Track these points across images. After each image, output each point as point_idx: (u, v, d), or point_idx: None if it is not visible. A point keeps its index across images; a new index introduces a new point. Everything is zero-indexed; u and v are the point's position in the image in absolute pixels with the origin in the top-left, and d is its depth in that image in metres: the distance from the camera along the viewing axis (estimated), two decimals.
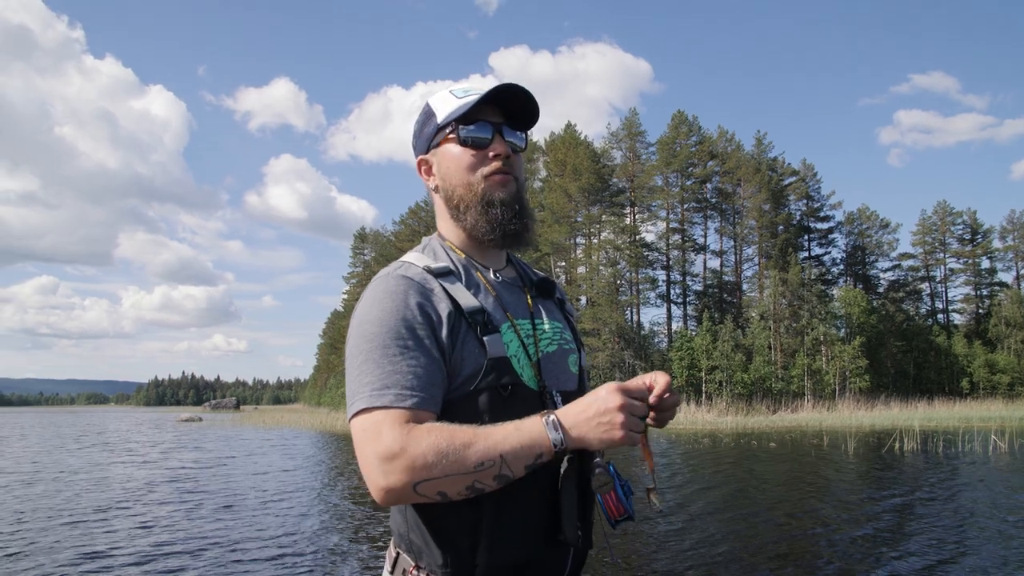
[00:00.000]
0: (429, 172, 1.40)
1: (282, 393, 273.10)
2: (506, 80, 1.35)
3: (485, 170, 1.32)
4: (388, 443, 1.08)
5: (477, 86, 1.36)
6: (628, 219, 57.50)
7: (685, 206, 59.61)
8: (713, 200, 60.41)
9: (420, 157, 1.41)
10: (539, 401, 1.24)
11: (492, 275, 1.37)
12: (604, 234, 55.93)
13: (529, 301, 1.38)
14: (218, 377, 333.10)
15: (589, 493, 1.23)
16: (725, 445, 21.87)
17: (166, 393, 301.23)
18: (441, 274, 1.27)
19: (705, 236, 61.75)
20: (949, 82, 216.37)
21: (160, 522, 9.29)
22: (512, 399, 1.20)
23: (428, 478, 1.07)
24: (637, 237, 56.39)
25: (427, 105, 1.39)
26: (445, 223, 1.40)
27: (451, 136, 1.33)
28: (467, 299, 1.25)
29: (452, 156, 1.33)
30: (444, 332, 1.20)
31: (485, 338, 1.22)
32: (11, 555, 7.37)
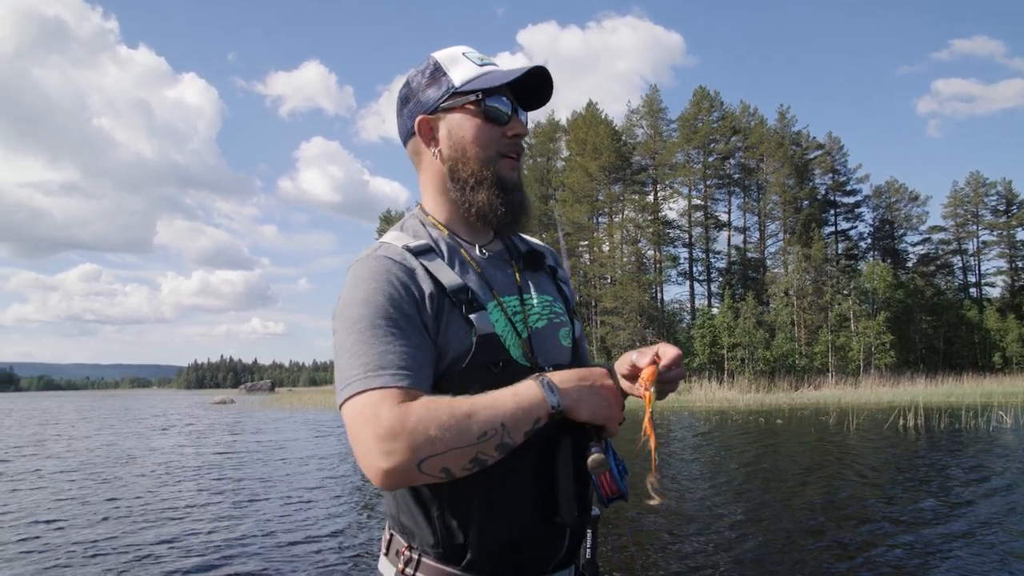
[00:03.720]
0: (431, 135, 1.30)
1: (317, 375, 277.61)
2: (535, 62, 1.45)
3: (502, 148, 1.27)
4: (387, 423, 1.03)
5: (486, 56, 1.31)
6: (650, 197, 57.28)
7: (708, 183, 59.12)
8: (736, 176, 59.79)
9: (423, 116, 1.29)
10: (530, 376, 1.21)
11: (477, 251, 1.32)
12: (626, 212, 55.82)
13: (517, 275, 1.34)
14: (255, 360, 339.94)
15: (584, 471, 1.18)
16: (732, 422, 21.98)
17: (205, 376, 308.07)
18: (420, 252, 1.23)
19: (729, 212, 61.28)
20: (993, 46, 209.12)
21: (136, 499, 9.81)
22: (503, 376, 1.16)
23: (432, 454, 1.02)
24: (659, 215, 56.17)
25: (434, 61, 1.30)
26: (433, 196, 1.34)
27: (470, 105, 1.26)
28: (449, 277, 1.21)
29: (472, 127, 1.26)
30: (429, 312, 1.17)
31: (472, 316, 1.19)
32: None
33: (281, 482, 11.08)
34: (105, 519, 8.31)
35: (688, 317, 57.80)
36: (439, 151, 1.29)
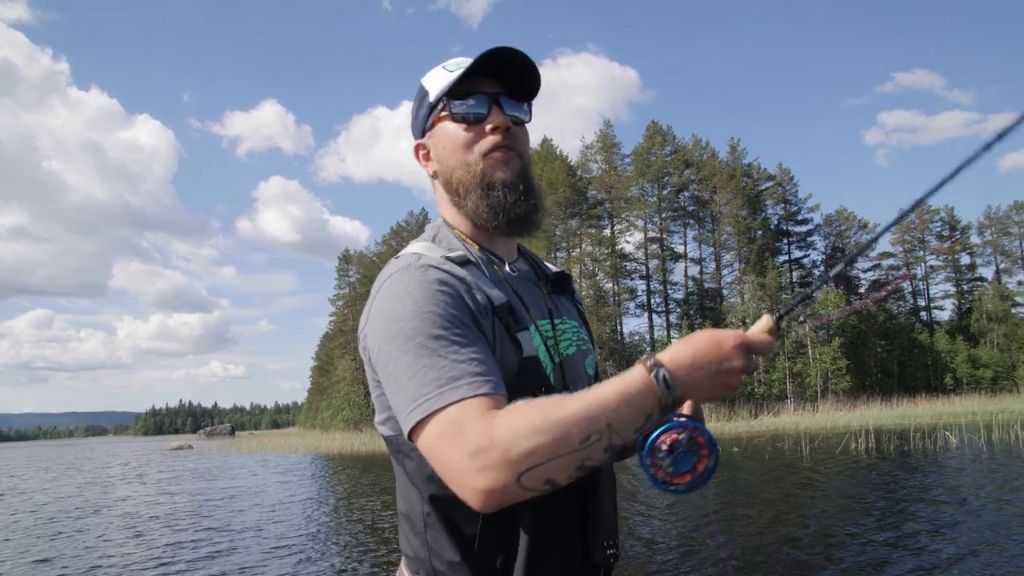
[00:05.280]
0: (427, 157, 1.28)
1: (280, 417, 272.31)
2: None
3: (483, 146, 1.20)
4: (476, 438, 0.92)
5: (467, 58, 1.24)
6: (607, 231, 57.99)
7: (663, 215, 60.12)
8: (690, 208, 60.92)
9: (416, 142, 1.30)
10: None
11: (508, 268, 1.25)
12: (584, 246, 56.39)
13: (546, 298, 1.28)
14: (215, 404, 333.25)
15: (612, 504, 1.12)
16: None
17: (164, 422, 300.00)
18: (462, 263, 1.14)
19: (685, 244, 62.23)
20: (933, 79, 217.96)
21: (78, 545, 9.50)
22: None
23: (532, 466, 0.89)
24: (616, 248, 56.84)
25: (420, 85, 1.28)
26: (449, 210, 1.28)
27: (444, 114, 1.22)
28: (495, 293, 1.13)
29: (446, 135, 1.22)
30: (484, 325, 1.08)
31: (518, 335, 1.11)
32: None
33: (250, 530, 10.78)
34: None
35: (648, 349, 58.21)
36: (434, 170, 1.27)
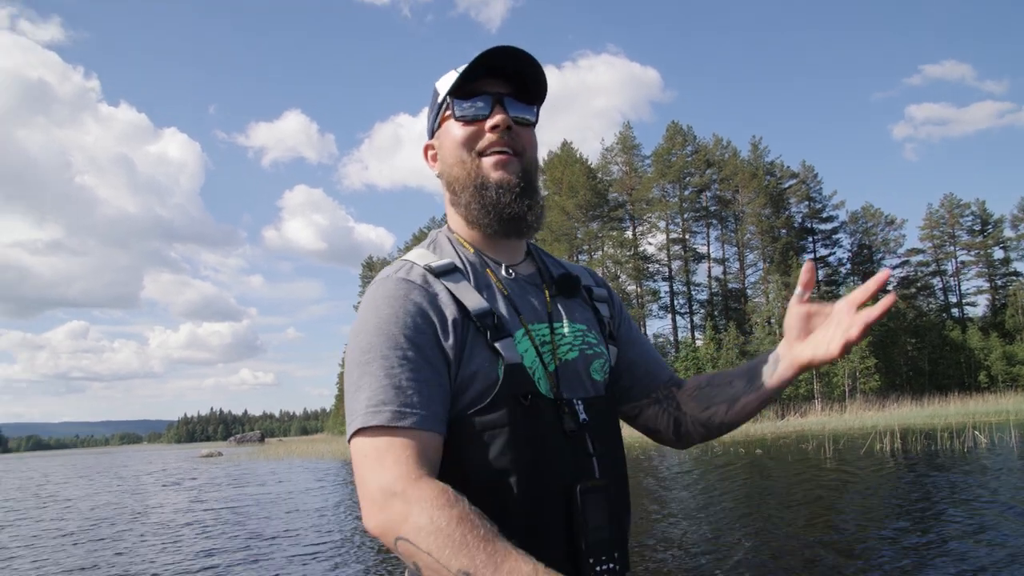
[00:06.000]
0: (435, 158, 1.28)
1: (309, 424, 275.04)
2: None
3: (481, 145, 1.20)
4: (390, 479, 0.97)
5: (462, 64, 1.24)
6: (628, 233, 57.79)
7: (685, 216, 59.79)
8: (712, 208, 60.53)
9: (426, 143, 1.30)
10: (555, 413, 1.12)
11: (504, 271, 1.23)
12: (605, 248, 56.25)
13: (548, 301, 1.25)
14: (245, 411, 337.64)
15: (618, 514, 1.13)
16: (713, 453, 21.90)
17: (196, 430, 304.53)
18: (444, 272, 1.15)
19: (708, 244, 61.91)
20: (963, 69, 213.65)
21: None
22: (532, 410, 1.09)
23: (412, 543, 0.92)
24: (638, 250, 56.62)
25: (434, 88, 1.28)
26: (451, 212, 1.28)
27: (448, 113, 1.22)
28: (474, 300, 1.12)
29: (449, 134, 1.22)
30: (450, 341, 1.08)
31: (497, 344, 1.10)
32: None
33: (280, 536, 10.85)
34: None
35: (672, 351, 57.88)
36: (439, 171, 1.27)
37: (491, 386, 1.07)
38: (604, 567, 1.11)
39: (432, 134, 1.28)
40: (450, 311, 1.10)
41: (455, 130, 1.21)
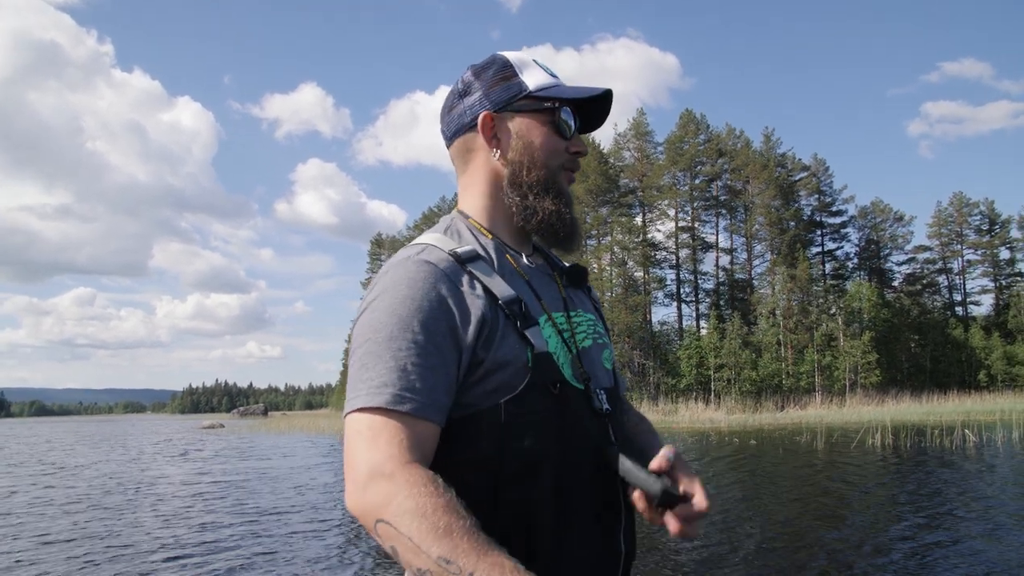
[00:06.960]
0: (492, 134, 1.21)
1: (314, 399, 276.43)
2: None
3: (564, 162, 1.22)
4: (380, 460, 0.94)
5: (539, 58, 1.25)
6: (638, 219, 57.92)
7: (695, 204, 59.84)
8: (722, 198, 60.55)
9: (487, 112, 1.20)
10: (585, 400, 1.12)
11: (525, 260, 1.22)
12: (614, 234, 56.41)
13: (561, 291, 1.26)
14: (251, 384, 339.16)
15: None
16: (708, 443, 22.28)
17: (200, 401, 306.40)
18: (469, 259, 1.11)
19: (716, 234, 61.94)
20: (982, 68, 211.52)
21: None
22: (562, 398, 1.08)
23: (393, 526, 0.90)
24: (647, 237, 56.77)
25: (505, 60, 1.23)
26: (480, 198, 1.24)
27: (543, 113, 1.20)
28: (502, 288, 1.10)
29: (541, 134, 1.20)
30: (471, 331, 1.05)
31: (527, 331, 1.08)
32: None
33: (289, 512, 11.32)
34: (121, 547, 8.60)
35: (676, 339, 58.18)
36: (500, 152, 1.21)
37: (520, 374, 1.06)
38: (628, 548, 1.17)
39: (500, 109, 1.20)
40: (475, 298, 1.07)
41: (548, 134, 1.20)
